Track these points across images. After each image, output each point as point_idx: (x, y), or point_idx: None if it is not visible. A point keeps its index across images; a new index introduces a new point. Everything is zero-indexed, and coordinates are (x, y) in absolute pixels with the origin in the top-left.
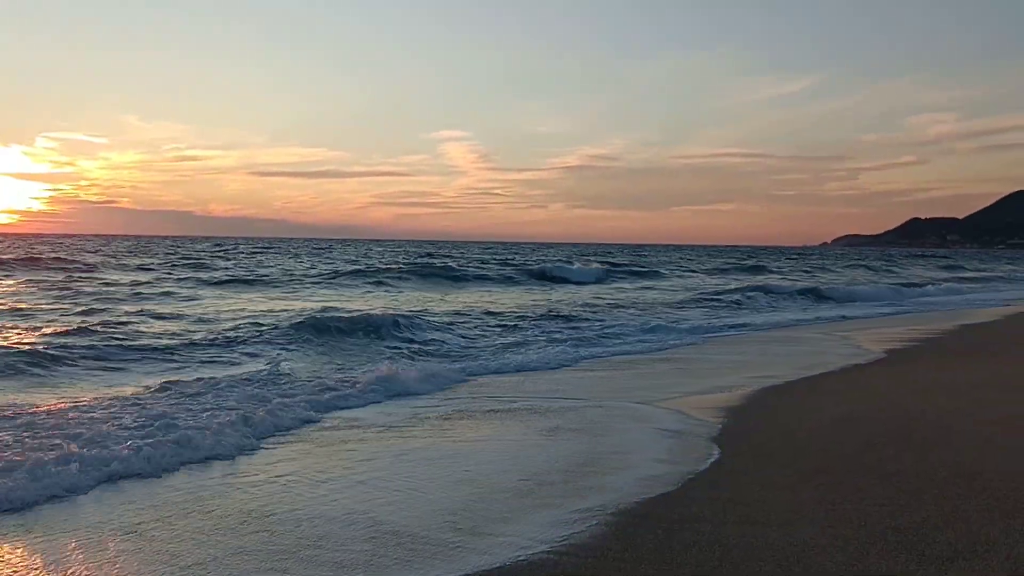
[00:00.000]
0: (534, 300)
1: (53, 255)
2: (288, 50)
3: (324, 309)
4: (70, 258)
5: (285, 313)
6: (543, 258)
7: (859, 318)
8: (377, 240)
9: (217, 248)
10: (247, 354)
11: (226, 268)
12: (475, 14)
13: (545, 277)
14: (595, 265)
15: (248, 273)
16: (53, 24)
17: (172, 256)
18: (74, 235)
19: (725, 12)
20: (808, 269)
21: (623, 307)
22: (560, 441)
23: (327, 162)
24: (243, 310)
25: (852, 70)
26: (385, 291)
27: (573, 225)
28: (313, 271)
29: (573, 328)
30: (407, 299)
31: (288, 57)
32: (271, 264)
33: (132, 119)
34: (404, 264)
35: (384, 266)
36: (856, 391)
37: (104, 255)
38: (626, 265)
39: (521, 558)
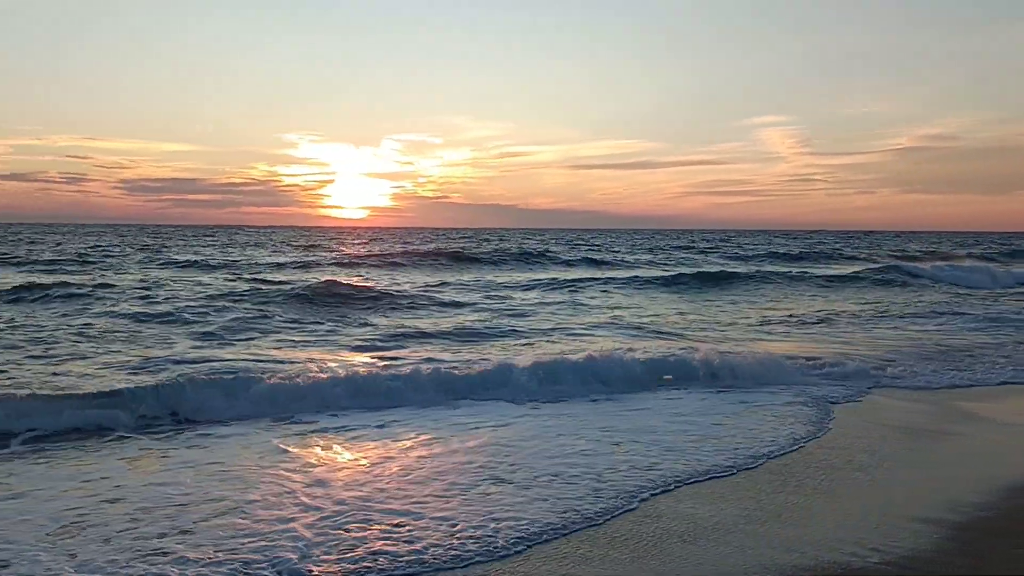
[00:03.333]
0: None
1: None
2: (605, 47)
3: None
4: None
5: None
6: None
7: None
8: (690, 229)
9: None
10: None
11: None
12: None
13: None
14: None
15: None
16: (402, 48)
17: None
18: (409, 227)
19: None
20: None
21: None
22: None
23: (641, 153)
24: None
25: None
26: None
27: (902, 211)
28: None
29: None
30: None
31: (605, 54)
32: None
33: (463, 120)
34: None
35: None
36: None
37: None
38: None
39: (854, 564)
